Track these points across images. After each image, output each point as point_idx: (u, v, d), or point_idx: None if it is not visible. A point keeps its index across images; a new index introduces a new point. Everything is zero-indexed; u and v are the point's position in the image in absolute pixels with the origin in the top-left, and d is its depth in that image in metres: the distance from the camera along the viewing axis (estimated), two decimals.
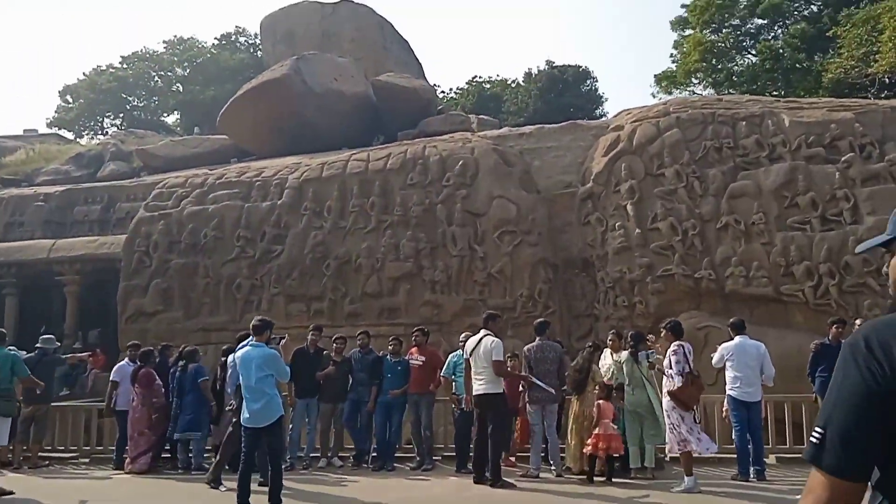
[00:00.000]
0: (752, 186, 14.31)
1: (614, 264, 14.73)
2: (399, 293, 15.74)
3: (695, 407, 8.31)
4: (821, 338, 12.05)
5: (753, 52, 26.27)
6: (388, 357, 10.59)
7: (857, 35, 19.64)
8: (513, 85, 35.79)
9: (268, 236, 16.77)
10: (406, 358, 10.55)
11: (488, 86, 36.64)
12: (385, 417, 10.31)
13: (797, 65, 23.13)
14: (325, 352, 10.90)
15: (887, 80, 18.61)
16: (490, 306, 13.84)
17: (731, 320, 8.98)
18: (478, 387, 8.56)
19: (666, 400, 8.20)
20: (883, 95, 17.81)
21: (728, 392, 8.83)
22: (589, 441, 8.49)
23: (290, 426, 10.49)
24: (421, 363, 10.30)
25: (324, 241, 16.44)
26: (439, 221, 15.92)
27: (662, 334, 8.61)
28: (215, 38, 42.64)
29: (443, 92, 36.01)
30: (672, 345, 8.26)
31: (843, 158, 14.07)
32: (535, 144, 17.23)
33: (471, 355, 8.67)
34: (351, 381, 10.75)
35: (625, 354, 9.01)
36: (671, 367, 8.11)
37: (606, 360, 9.29)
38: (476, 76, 36.98)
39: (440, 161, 16.48)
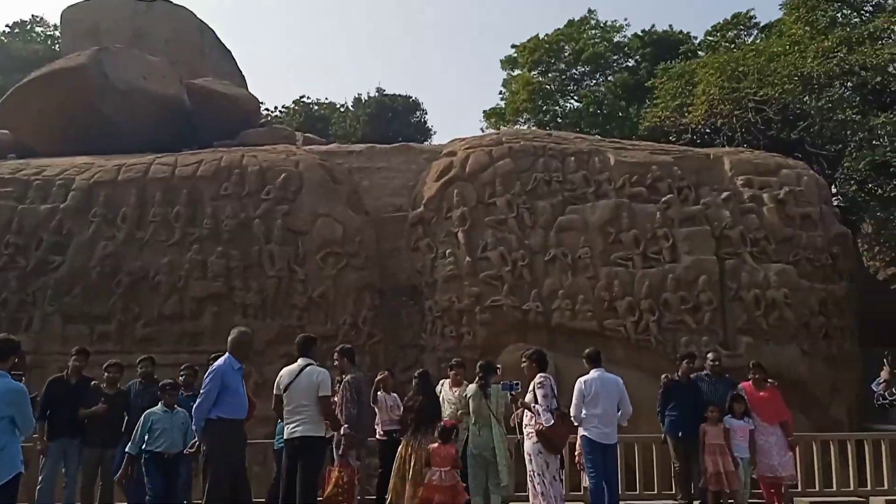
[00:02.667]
0: (579, 221, 14.31)
1: (443, 292, 14.01)
2: (204, 316, 13.89)
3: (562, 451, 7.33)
4: (641, 373, 12.13)
5: (577, 97, 27.46)
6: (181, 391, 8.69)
7: (673, 87, 20.96)
8: (342, 109, 34.79)
9: (45, 244, 14.24)
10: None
11: (316, 107, 35.34)
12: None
13: (617, 112, 24.38)
14: (93, 382, 8.62)
15: (700, 129, 19.89)
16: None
17: (587, 351, 8.14)
18: (293, 429, 6.99)
19: (531, 443, 7.14)
20: (697, 143, 18.90)
21: (582, 433, 7.67)
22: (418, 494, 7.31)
23: (40, 479, 8.17)
24: None
25: (115, 253, 14.21)
26: (256, 238, 14.35)
27: (524, 364, 7.52)
28: (6, 26, 37.67)
29: (267, 109, 34.14)
30: (537, 377, 7.25)
31: (662, 199, 14.47)
32: (366, 164, 16.27)
33: (285, 390, 7.09)
34: (126, 421, 8.46)
35: (472, 388, 8.02)
36: (537, 403, 7.07)
37: (445, 394, 8.29)
38: (304, 96, 35.57)
39: (260, 172, 14.96)
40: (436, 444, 7.48)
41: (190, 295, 13.97)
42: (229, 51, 27.33)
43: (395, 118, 31.95)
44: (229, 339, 6.84)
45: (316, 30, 66.38)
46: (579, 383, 7.74)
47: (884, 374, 7.20)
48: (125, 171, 15.08)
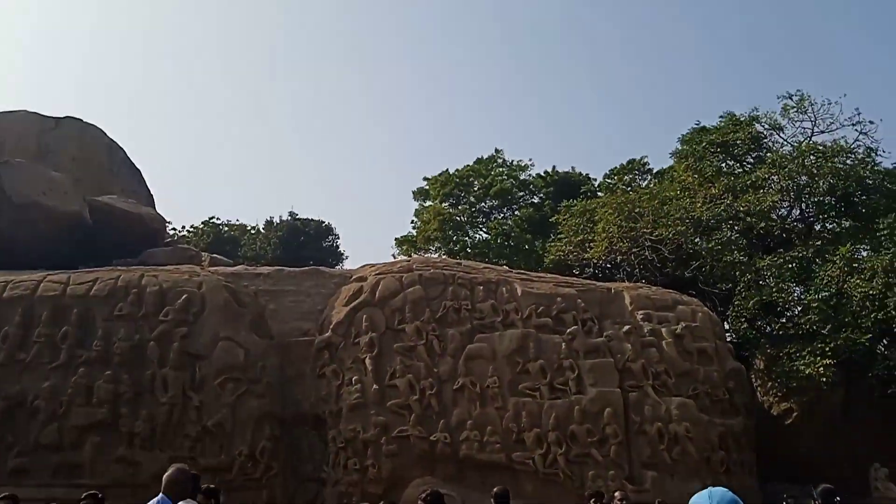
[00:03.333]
0: (487, 349, 14.34)
1: (348, 422, 13.48)
2: (85, 447, 12.76)
3: None
4: None
5: (486, 229, 28.39)
6: None
7: (575, 224, 22.02)
8: (252, 231, 34.52)
9: None
10: None
11: (226, 229, 34.92)
12: None
13: (524, 245, 25.28)
14: None
15: (601, 264, 20.78)
16: (202, 466, 11.62)
17: (496, 491, 7.83)
18: None
19: None
20: (598, 277, 19.66)
21: None
22: None
23: None
24: None
25: None
26: (150, 362, 13.55)
27: None
28: None
29: (174, 229, 33.46)
30: None
31: (568, 330, 14.75)
32: (273, 287, 15.93)
33: None
34: None
35: None
36: None
37: None
38: (213, 217, 35.14)
39: (159, 293, 14.34)
40: None
41: (71, 423, 12.86)
42: (139, 170, 26.97)
43: (307, 242, 31.94)
44: (165, 477, 6.14)
45: (229, 151, 66.97)
46: None
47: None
48: (11, 289, 14.15)
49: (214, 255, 22.20)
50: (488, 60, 71.07)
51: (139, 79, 68.30)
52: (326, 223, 33.93)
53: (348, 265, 31.91)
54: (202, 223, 35.03)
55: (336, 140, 70.38)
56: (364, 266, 16.83)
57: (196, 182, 65.23)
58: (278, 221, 33.67)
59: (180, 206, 63.77)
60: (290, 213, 33.83)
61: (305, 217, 33.80)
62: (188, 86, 70.85)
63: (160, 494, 5.91)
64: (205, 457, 12.87)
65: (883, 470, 15.32)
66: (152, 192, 27.00)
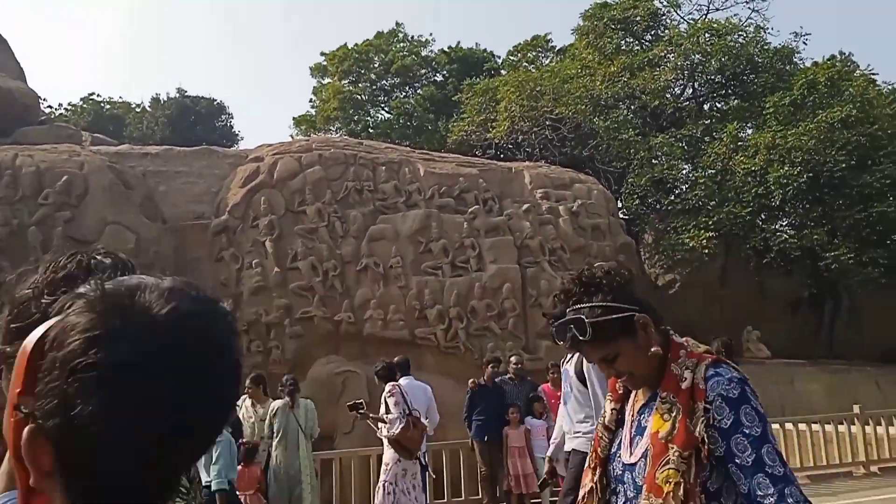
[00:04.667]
0: (390, 230, 14.35)
1: (250, 305, 13.36)
2: None
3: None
4: (450, 380, 12.40)
5: (387, 108, 27.71)
6: None
7: (478, 103, 21.80)
8: (138, 109, 32.36)
9: None
10: None
11: (108, 106, 32.56)
12: None
13: (426, 125, 24.92)
14: None
15: (503, 144, 20.86)
16: None
17: (396, 359, 8.15)
18: None
19: (390, 452, 7.06)
20: (500, 157, 19.77)
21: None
22: None
23: None
24: None
25: None
26: (31, 248, 12.76)
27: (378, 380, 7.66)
28: None
29: (50, 106, 30.90)
30: (386, 387, 7.35)
31: (469, 210, 14.91)
32: (163, 167, 15.13)
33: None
34: None
35: (277, 403, 7.64)
36: (390, 412, 7.07)
37: (246, 412, 7.81)
38: (94, 94, 32.56)
39: (36, 174, 13.35)
40: (238, 466, 7.04)
41: None
42: (5, 40, 24.37)
43: (198, 121, 30.37)
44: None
45: (110, 21, 61.34)
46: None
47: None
48: None
49: (96, 135, 20.75)
50: None
51: None
52: (219, 101, 32.27)
53: (243, 146, 30.68)
54: (81, 100, 32.52)
55: (227, 11, 65.67)
56: (261, 146, 16.19)
57: (73, 55, 59.84)
58: (166, 99, 31.67)
59: (56, 81, 58.60)
60: (179, 91, 31.85)
61: (196, 94, 31.93)
62: None
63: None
64: None
65: (755, 332, 16.80)
66: (22, 66, 24.63)
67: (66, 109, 31.56)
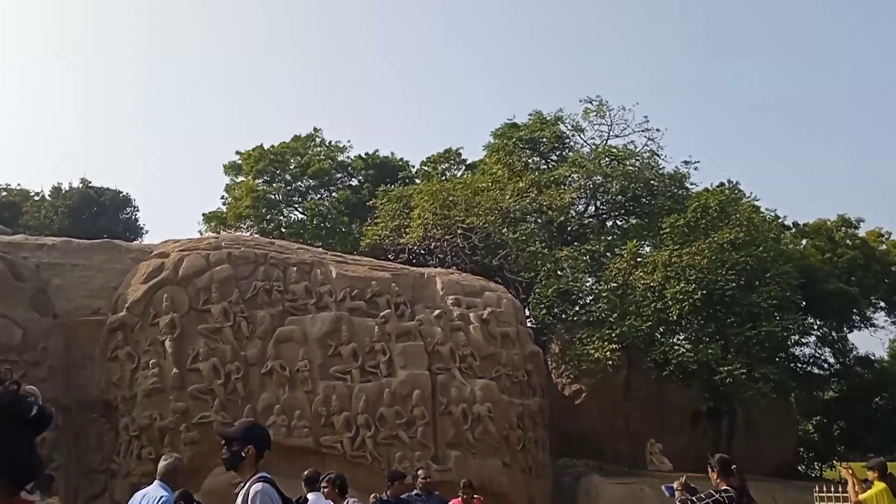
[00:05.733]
0: (298, 332, 14.04)
1: (143, 408, 12.60)
2: None
3: None
4: (356, 492, 11.86)
5: (301, 209, 27.71)
6: None
7: (392, 209, 22.19)
8: (36, 198, 31.00)
9: None
10: None
11: (4, 193, 31.06)
12: None
13: (340, 227, 25.03)
14: None
15: (416, 249, 21.13)
16: None
17: (306, 473, 7.74)
18: None
19: None
20: (413, 262, 19.97)
21: None
22: None
23: None
24: None
25: None
26: None
27: (325, 490, 7.39)
28: None
29: None
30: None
31: (381, 314, 14.82)
32: (59, 259, 14.42)
33: None
34: None
35: None
36: None
37: None
38: None
39: None
40: None
41: None
42: None
43: (101, 213, 29.35)
44: (160, 466, 5.73)
45: (9, 105, 59.50)
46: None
47: (677, 484, 7.63)
48: None
49: None
50: (309, 34, 69.46)
51: None
52: (124, 193, 31.38)
53: (148, 240, 29.73)
54: None
55: (138, 105, 65.17)
56: (167, 241, 15.75)
57: None
58: (68, 188, 30.53)
59: None
60: (83, 181, 30.82)
61: (100, 186, 30.99)
62: None
63: (157, 481, 5.50)
64: None
65: (658, 445, 17.14)
66: None
67: None
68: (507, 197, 21.73)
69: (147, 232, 31.50)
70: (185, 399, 12.76)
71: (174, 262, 14.23)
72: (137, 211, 31.71)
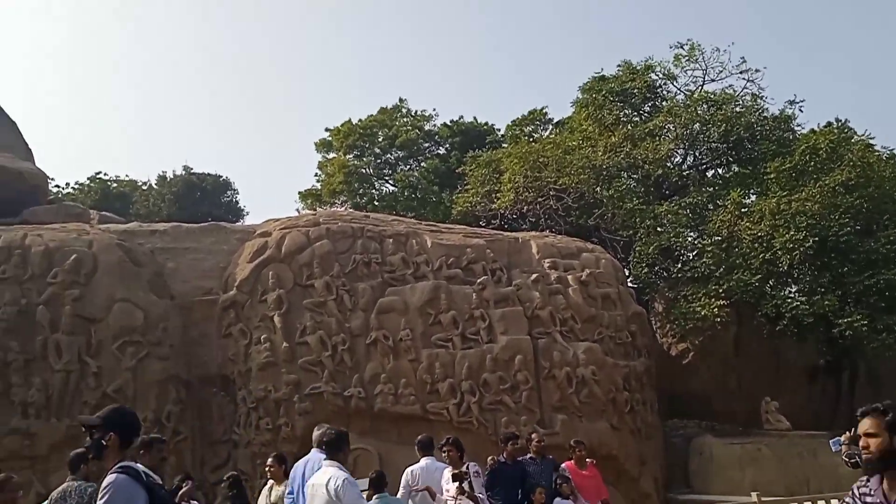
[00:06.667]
0: (399, 302, 14.21)
1: (258, 381, 13.14)
2: None
3: None
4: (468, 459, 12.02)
5: (392, 181, 28.06)
6: None
7: (481, 175, 22.05)
8: (144, 187, 32.73)
9: None
10: None
11: (115, 185, 32.93)
12: None
13: (431, 197, 25.18)
14: None
15: (508, 214, 20.99)
16: None
17: (419, 438, 7.90)
18: None
19: None
20: (505, 228, 19.84)
21: None
22: None
23: None
24: None
25: None
26: (40, 327, 12.65)
27: (446, 453, 7.52)
28: None
29: (58, 186, 31.27)
30: (470, 467, 7.31)
31: (478, 281, 14.80)
32: (171, 244, 15.14)
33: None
34: None
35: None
36: (481, 493, 7.04)
37: (268, 495, 7.53)
38: (100, 172, 33.00)
39: (45, 253, 13.34)
40: None
41: None
42: (13, 122, 24.88)
43: (203, 198, 30.64)
44: (315, 435, 6.25)
45: (116, 101, 62.91)
46: (407, 474, 7.47)
47: (844, 438, 7.49)
48: None
49: (104, 213, 20.90)
50: (390, 7, 69.50)
51: (11, 23, 62.74)
52: (224, 177, 32.62)
53: (249, 221, 30.91)
54: (88, 179, 32.93)
55: (232, 89, 67.42)
56: (268, 220, 16.26)
57: (80, 135, 61.08)
58: (172, 176, 32.05)
59: (63, 161, 59.61)
60: (185, 168, 32.27)
61: (201, 171, 32.34)
62: (67, 29, 65.66)
63: (314, 448, 5.81)
64: None
65: (773, 403, 16.44)
66: (29, 146, 25.06)
67: (73, 188, 31.93)
68: (600, 154, 21.14)
69: (247, 213, 32.75)
70: (297, 371, 13.21)
71: (276, 240, 14.67)
72: (237, 193, 32.96)
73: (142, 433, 12.30)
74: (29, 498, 9.64)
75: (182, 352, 13.53)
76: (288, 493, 6.48)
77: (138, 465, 3.95)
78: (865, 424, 3.29)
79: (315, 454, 6.14)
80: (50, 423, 12.10)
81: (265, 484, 8.05)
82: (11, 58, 61.85)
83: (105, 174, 33.44)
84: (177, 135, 65.26)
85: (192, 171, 32.13)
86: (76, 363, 12.56)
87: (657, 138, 21.13)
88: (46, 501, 5.66)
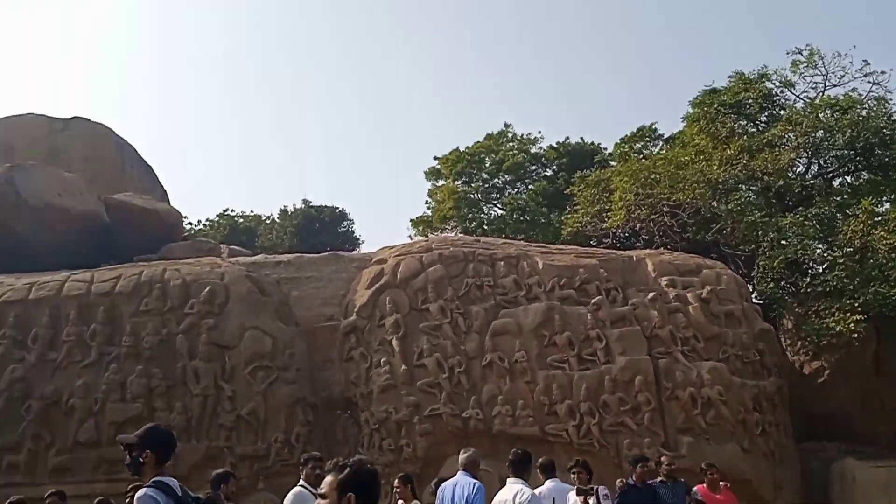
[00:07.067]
0: (513, 324, 14.25)
1: (380, 403, 13.52)
2: None
3: None
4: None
5: (500, 204, 28.27)
6: None
7: (591, 194, 21.83)
8: (267, 221, 34.60)
9: None
10: None
11: (241, 220, 35.01)
12: None
13: (539, 218, 25.15)
14: None
15: (620, 233, 20.65)
16: (239, 454, 11.83)
17: (541, 461, 7.89)
18: None
19: None
20: (617, 247, 19.50)
21: None
22: None
23: None
24: None
25: (25, 376, 13.21)
26: (179, 355, 13.63)
27: (575, 474, 7.65)
28: None
29: (190, 223, 33.61)
30: (600, 490, 7.33)
31: (592, 301, 14.61)
32: (294, 274, 15.92)
33: None
34: None
35: None
36: None
37: None
38: (228, 209, 35.24)
39: (183, 286, 14.38)
40: None
41: (108, 419, 12.98)
42: (150, 166, 27.05)
43: (322, 229, 31.98)
44: (462, 457, 6.74)
45: (239, 142, 67.06)
46: (534, 497, 7.40)
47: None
48: (37, 290, 14.23)
49: (233, 247, 22.27)
50: (491, 35, 70.49)
51: (145, 75, 68.37)
52: (340, 209, 33.97)
53: (364, 249, 31.95)
54: (217, 216, 35.19)
55: (344, 125, 70.24)
56: (383, 248, 16.78)
57: (208, 175, 65.41)
58: (292, 210, 33.73)
59: (194, 200, 64.02)
60: (304, 201, 33.89)
61: (319, 204, 33.85)
62: (194, 81, 70.80)
63: (460, 471, 6.47)
64: (241, 445, 12.99)
65: None
66: (165, 188, 27.11)
67: (204, 225, 34.21)
68: (715, 167, 20.43)
69: (363, 242, 33.90)
70: (416, 393, 13.49)
71: (392, 266, 15.12)
72: (353, 223, 34.20)
73: (272, 455, 12.86)
74: None
75: (308, 376, 14.13)
76: None
77: (171, 479, 4.25)
78: None
79: (462, 476, 6.51)
80: (190, 445, 12.92)
81: None
82: (148, 109, 67.31)
83: (232, 210, 35.72)
84: (296, 170, 68.60)
85: (310, 204, 33.68)
86: (213, 388, 13.40)
87: (776, 148, 20.21)
88: None
